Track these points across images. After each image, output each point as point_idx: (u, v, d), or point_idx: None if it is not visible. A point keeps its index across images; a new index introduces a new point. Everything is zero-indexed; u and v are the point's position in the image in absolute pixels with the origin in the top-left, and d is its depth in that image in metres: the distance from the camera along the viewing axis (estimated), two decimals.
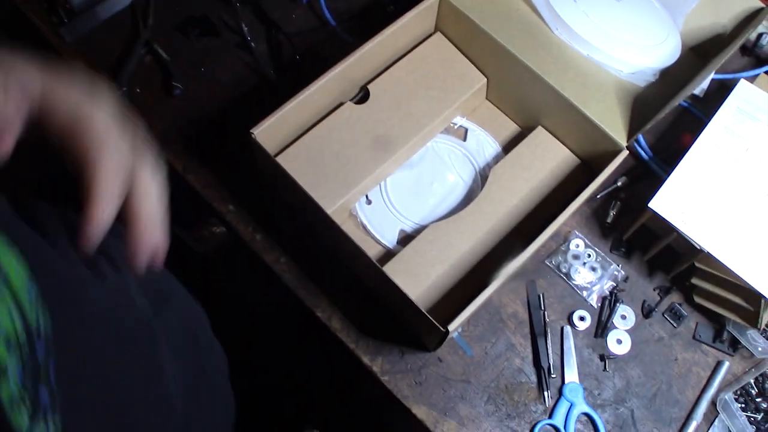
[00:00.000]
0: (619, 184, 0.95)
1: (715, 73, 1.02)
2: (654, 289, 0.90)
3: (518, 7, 0.93)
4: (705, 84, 1.03)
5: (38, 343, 0.35)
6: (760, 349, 0.85)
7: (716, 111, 0.87)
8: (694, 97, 1.03)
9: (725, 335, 0.87)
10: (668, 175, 0.83)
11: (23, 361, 0.33)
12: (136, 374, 0.49)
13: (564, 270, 0.89)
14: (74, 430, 0.36)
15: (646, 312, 0.88)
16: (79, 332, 0.41)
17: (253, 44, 1.00)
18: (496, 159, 0.92)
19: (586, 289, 0.89)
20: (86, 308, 0.44)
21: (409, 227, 0.86)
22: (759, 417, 0.84)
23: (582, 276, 0.89)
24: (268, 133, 0.80)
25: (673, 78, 0.92)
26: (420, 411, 0.80)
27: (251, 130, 0.78)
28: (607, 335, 0.86)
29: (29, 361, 0.33)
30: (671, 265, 0.89)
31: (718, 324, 0.88)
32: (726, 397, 0.84)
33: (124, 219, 0.44)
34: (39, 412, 0.33)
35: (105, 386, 0.43)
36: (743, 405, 0.84)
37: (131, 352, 0.48)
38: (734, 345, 0.87)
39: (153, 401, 0.51)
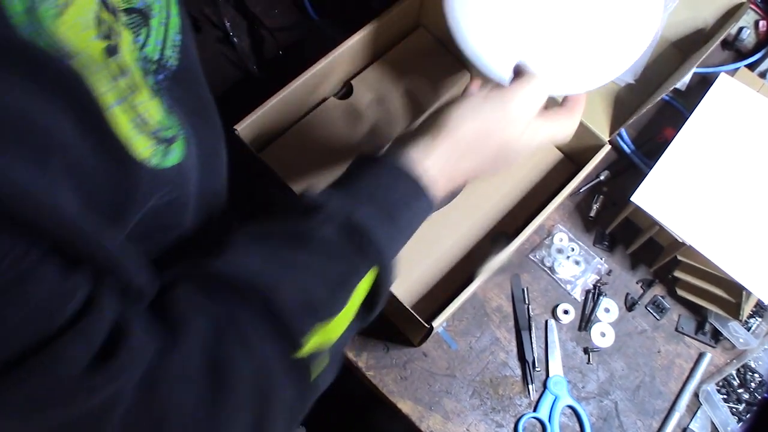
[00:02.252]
0: (602, 178, 0.95)
1: (697, 67, 1.02)
2: (637, 282, 0.91)
3: None
4: (687, 78, 1.03)
5: (161, 71, 0.48)
6: (741, 340, 0.86)
7: (697, 104, 0.88)
8: (675, 90, 1.03)
9: (707, 327, 0.88)
10: (650, 168, 0.84)
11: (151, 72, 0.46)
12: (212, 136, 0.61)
13: (548, 264, 0.89)
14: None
15: (629, 305, 0.89)
16: (186, 87, 0.53)
17: (235, 39, 0.99)
18: None
19: (569, 282, 0.89)
20: (199, 84, 0.57)
21: None
22: (741, 408, 0.85)
23: (566, 270, 0.89)
24: (251, 128, 0.79)
25: (655, 73, 0.93)
26: (405, 406, 0.80)
27: (234, 126, 0.77)
28: (590, 328, 0.87)
29: (153, 73, 0.47)
30: (654, 258, 0.90)
31: (700, 316, 0.89)
32: (708, 388, 0.84)
33: None
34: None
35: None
36: (725, 396, 0.85)
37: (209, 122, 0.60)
38: (716, 337, 0.88)
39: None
